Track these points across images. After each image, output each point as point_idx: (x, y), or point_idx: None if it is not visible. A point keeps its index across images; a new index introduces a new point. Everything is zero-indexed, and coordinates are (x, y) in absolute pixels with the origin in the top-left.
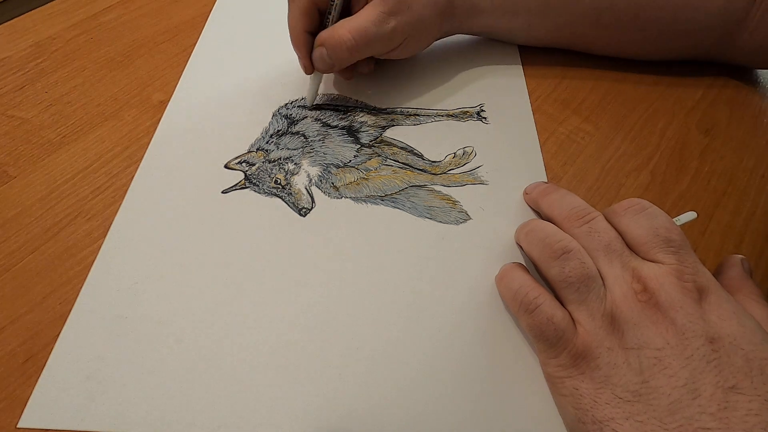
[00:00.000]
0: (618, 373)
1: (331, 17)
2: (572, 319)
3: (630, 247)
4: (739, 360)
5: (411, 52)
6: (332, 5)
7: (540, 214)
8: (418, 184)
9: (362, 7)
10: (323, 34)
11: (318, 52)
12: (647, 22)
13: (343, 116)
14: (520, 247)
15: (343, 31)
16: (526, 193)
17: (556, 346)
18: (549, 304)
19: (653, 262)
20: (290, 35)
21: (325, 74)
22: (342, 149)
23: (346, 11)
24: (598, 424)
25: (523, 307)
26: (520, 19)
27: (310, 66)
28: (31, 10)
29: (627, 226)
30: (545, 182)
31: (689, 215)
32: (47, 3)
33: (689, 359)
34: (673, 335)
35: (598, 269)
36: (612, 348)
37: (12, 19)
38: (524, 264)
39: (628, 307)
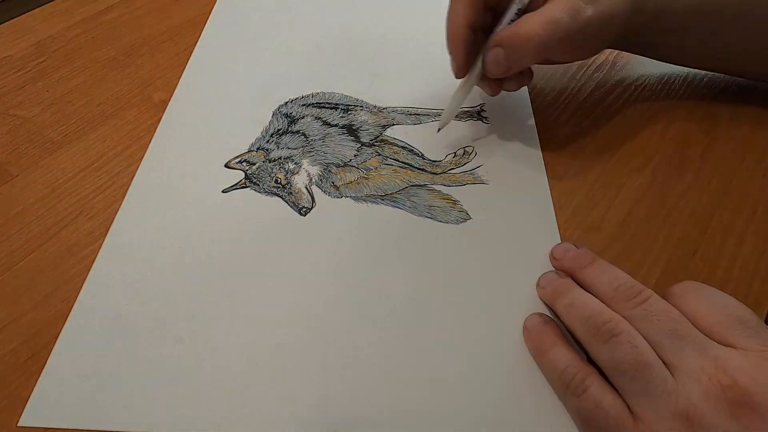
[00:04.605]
0: None
1: (508, 17)
2: (629, 409)
3: (699, 330)
4: None
5: (584, 55)
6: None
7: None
8: (418, 183)
9: (542, 3)
10: (503, 33)
11: (494, 54)
12: None
13: (344, 115)
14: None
15: (532, 26)
16: (554, 258)
17: None
18: (597, 386)
19: (730, 347)
20: (448, 29)
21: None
22: (342, 148)
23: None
24: None
25: (568, 389)
26: (708, 26)
27: (465, 68)
28: (32, 10)
29: (690, 306)
30: (574, 247)
31: None
32: (48, 2)
33: None
34: None
35: (663, 358)
36: None
37: (13, 18)
38: (548, 312)
39: (712, 409)
